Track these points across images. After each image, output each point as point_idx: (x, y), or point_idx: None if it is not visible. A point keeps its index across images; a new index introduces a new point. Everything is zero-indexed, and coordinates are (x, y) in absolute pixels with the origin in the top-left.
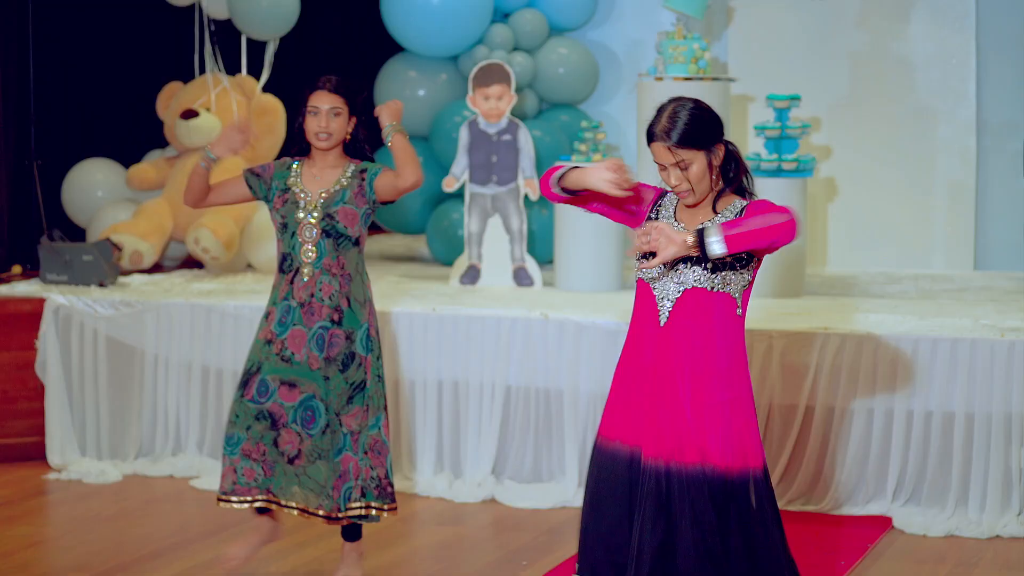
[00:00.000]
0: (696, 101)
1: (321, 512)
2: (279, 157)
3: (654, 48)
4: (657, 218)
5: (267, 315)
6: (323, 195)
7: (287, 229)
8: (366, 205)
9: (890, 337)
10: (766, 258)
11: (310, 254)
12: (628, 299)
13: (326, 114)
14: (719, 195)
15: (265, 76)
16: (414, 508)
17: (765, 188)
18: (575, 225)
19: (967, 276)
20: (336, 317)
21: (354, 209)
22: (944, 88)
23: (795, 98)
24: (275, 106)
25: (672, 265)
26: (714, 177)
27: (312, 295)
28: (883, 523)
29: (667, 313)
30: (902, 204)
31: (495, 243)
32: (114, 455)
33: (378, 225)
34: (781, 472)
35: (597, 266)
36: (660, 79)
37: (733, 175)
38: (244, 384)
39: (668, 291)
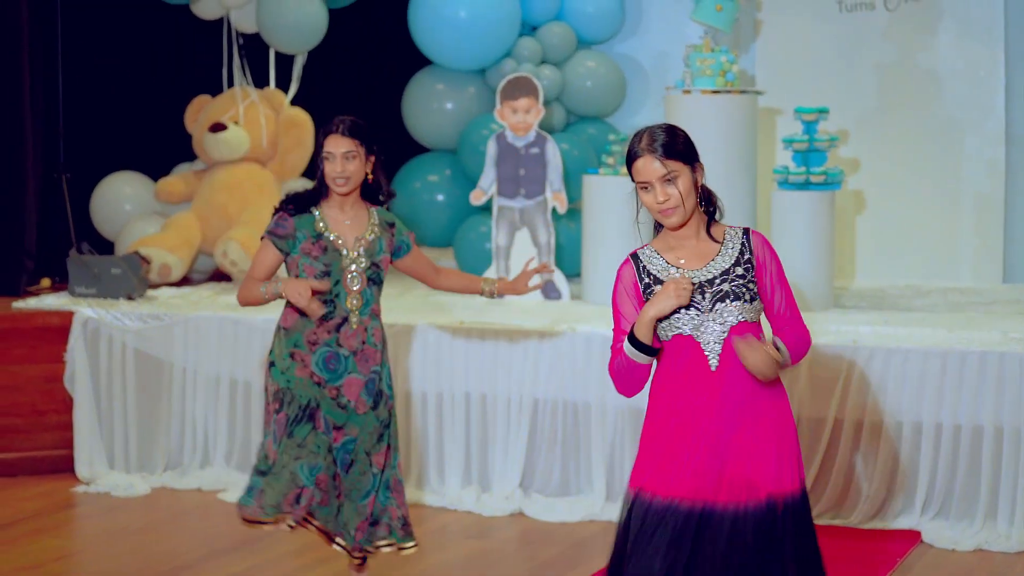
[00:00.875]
0: (671, 124)
1: (342, 544)
2: (306, 171)
3: (682, 61)
4: (653, 282)
5: (291, 355)
6: (362, 243)
7: (330, 277)
8: (391, 257)
9: (918, 350)
10: (795, 272)
11: (355, 302)
12: None
13: (341, 159)
14: (709, 223)
15: (293, 90)
16: (442, 521)
17: (793, 201)
18: (603, 238)
19: (996, 289)
20: (381, 358)
21: (388, 257)
22: (972, 100)
23: (823, 111)
24: (303, 120)
25: (711, 306)
26: (698, 198)
27: (363, 342)
28: (912, 537)
29: (717, 356)
30: (930, 216)
31: (523, 256)
32: (142, 468)
33: None
34: (810, 486)
35: None
36: (688, 92)
37: (708, 202)
38: (310, 417)
39: (713, 334)
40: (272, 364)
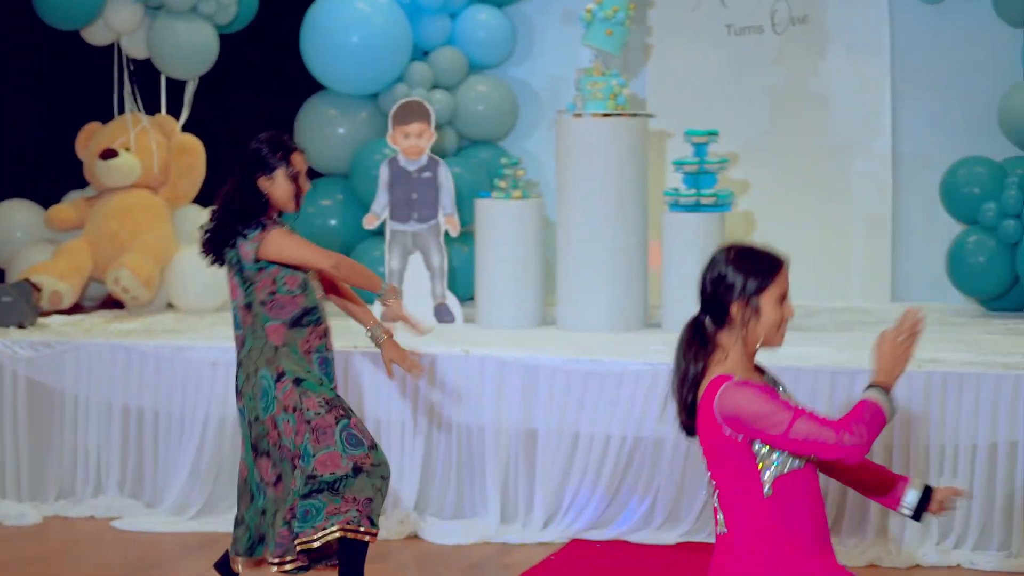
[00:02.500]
0: None
1: None
2: (198, 198)
3: (573, 85)
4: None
5: (308, 374)
6: None
7: (309, 283)
8: None
9: (808, 369)
10: (686, 294)
11: (324, 307)
12: (548, 335)
13: (306, 175)
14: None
15: (185, 115)
16: None
17: (684, 223)
18: (495, 261)
19: (885, 308)
20: None
21: None
22: (860, 122)
23: (713, 133)
24: (195, 146)
25: None
26: None
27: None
28: None
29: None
30: (820, 237)
31: (416, 280)
32: (34, 497)
33: None
34: (700, 508)
35: (518, 302)
36: (579, 115)
37: None
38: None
39: None
40: (300, 380)
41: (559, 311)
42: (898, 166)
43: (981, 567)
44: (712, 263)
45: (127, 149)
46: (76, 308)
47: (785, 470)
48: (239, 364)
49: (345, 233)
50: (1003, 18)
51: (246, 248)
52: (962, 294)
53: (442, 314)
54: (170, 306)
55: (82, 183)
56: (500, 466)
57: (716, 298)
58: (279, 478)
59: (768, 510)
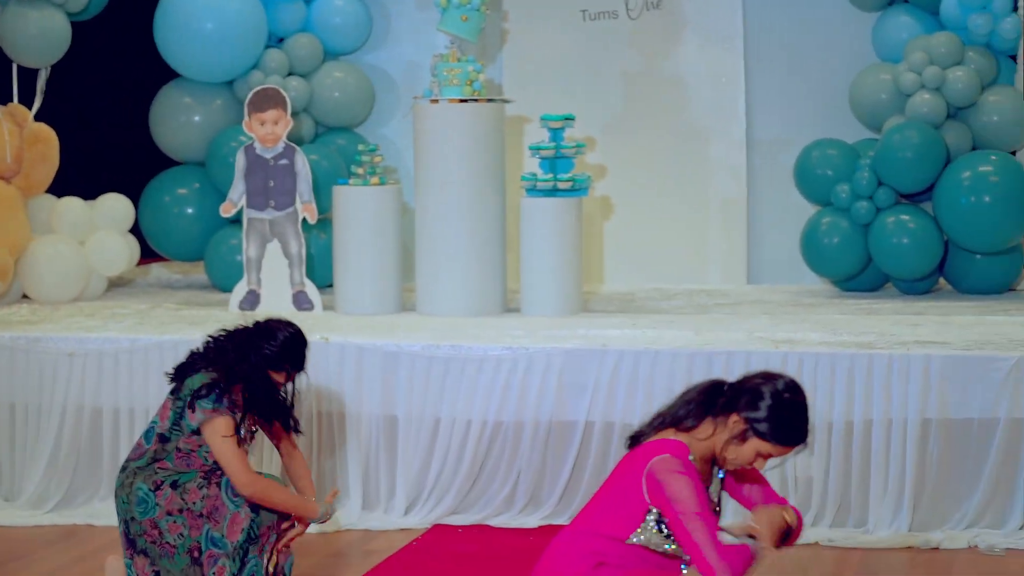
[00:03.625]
0: None
1: None
2: (52, 187)
3: (429, 71)
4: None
5: (181, 474)
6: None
7: None
8: None
9: (667, 352)
10: (544, 278)
11: None
12: (408, 321)
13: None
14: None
15: (37, 104)
16: None
17: (541, 208)
18: (354, 248)
19: (741, 291)
20: None
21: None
22: (715, 107)
23: (569, 118)
24: (48, 135)
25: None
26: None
27: None
28: None
29: None
30: (676, 221)
31: (274, 268)
32: None
33: (155, 252)
34: (561, 491)
35: (377, 289)
36: (436, 101)
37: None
38: None
39: None
40: (175, 482)
41: (418, 297)
42: (752, 149)
43: (839, 543)
44: (768, 380)
45: None
46: None
47: (651, 546)
48: (123, 466)
49: (202, 222)
50: (854, 3)
51: (195, 412)
52: (817, 275)
53: (301, 302)
54: (25, 297)
55: None
56: (361, 453)
57: (737, 399)
58: (157, 574)
59: (620, 550)
